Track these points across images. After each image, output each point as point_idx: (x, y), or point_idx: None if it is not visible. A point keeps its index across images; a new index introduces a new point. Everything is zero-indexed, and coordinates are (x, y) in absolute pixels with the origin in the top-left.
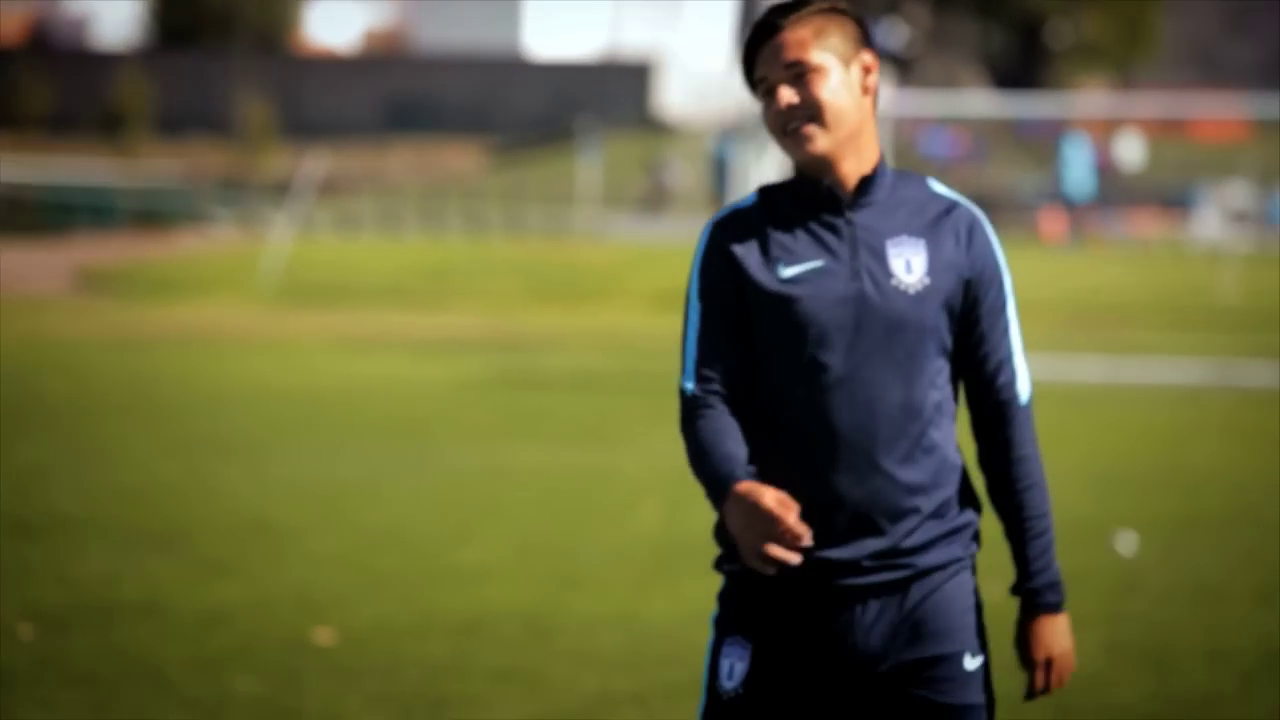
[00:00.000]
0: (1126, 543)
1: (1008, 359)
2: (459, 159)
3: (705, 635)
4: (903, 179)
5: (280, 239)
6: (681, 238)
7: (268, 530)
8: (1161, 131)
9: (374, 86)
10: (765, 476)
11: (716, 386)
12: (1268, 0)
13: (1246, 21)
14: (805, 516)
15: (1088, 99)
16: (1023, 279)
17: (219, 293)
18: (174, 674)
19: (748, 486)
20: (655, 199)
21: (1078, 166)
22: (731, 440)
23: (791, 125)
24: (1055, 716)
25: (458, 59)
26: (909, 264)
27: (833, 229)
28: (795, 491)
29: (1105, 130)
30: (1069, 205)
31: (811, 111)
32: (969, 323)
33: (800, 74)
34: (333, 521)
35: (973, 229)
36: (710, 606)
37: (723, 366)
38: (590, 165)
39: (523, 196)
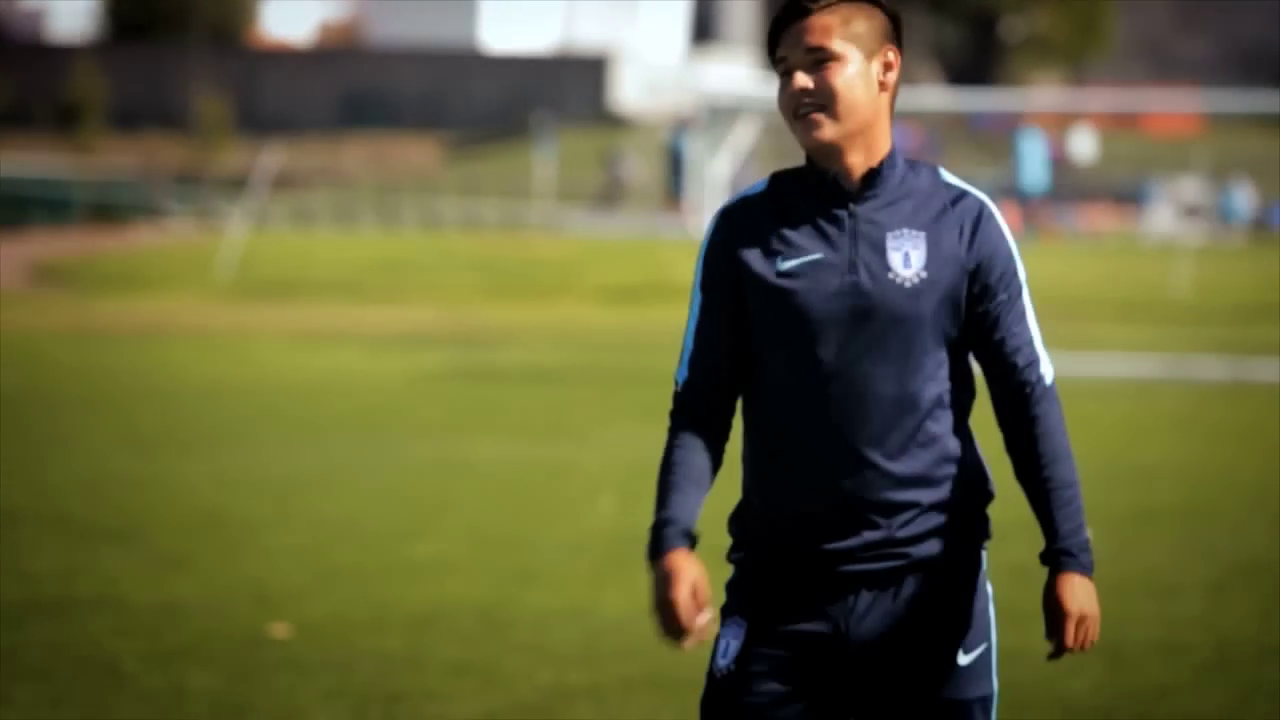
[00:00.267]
0: None
1: (1027, 343)
2: (414, 153)
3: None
4: (913, 170)
5: (236, 233)
6: (636, 231)
7: (224, 524)
8: (1114, 125)
9: (329, 81)
10: (762, 468)
11: (708, 381)
12: None
13: (1198, 18)
14: (801, 506)
15: (1042, 94)
16: None
17: (175, 287)
18: (130, 668)
19: (674, 564)
20: (612, 192)
21: (1033, 161)
22: (693, 479)
23: (802, 110)
24: (1008, 708)
25: (413, 52)
26: (907, 257)
27: (835, 221)
28: (790, 483)
29: (1058, 125)
30: (1023, 199)
31: (824, 100)
32: (981, 312)
33: (820, 60)
34: (289, 515)
35: (979, 220)
36: None
37: (716, 360)
38: (546, 160)
39: (478, 191)
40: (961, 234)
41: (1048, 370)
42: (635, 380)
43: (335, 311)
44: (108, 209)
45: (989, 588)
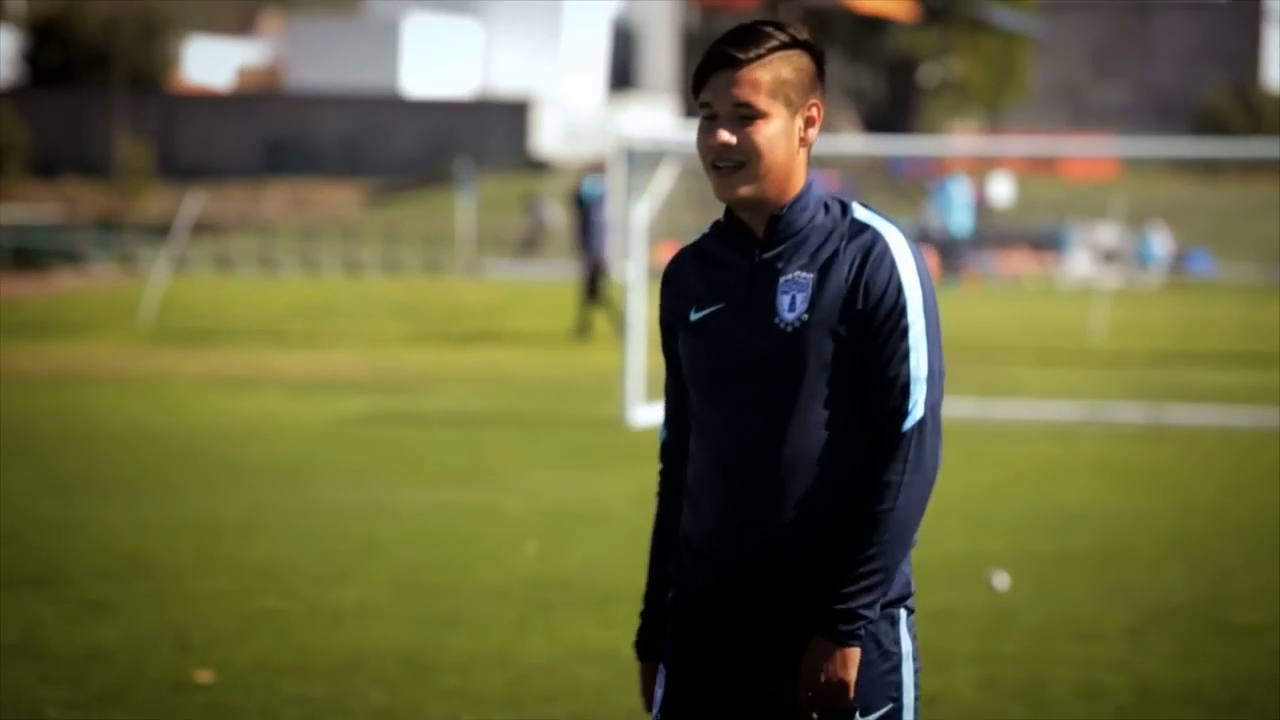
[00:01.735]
0: (999, 580)
1: (894, 383)
2: (335, 199)
3: (582, 673)
4: (826, 209)
5: (158, 279)
6: (556, 277)
7: (146, 570)
8: (1032, 171)
9: (250, 126)
10: (686, 505)
11: (677, 431)
12: (1134, 45)
13: (1114, 65)
14: (703, 547)
15: (960, 140)
16: None
17: (97, 332)
18: (53, 715)
19: (651, 675)
20: (535, 238)
21: (959, 207)
22: (674, 542)
23: (721, 164)
24: None
25: (334, 98)
26: (793, 300)
27: (740, 268)
28: (697, 524)
29: (977, 170)
30: (947, 244)
31: (744, 158)
32: (864, 350)
33: (745, 116)
34: (211, 561)
35: (870, 255)
36: (586, 645)
37: (680, 410)
38: (467, 205)
39: (399, 236)
40: (850, 270)
41: (914, 413)
42: (558, 425)
43: (257, 357)
44: (29, 254)
45: (905, 645)
